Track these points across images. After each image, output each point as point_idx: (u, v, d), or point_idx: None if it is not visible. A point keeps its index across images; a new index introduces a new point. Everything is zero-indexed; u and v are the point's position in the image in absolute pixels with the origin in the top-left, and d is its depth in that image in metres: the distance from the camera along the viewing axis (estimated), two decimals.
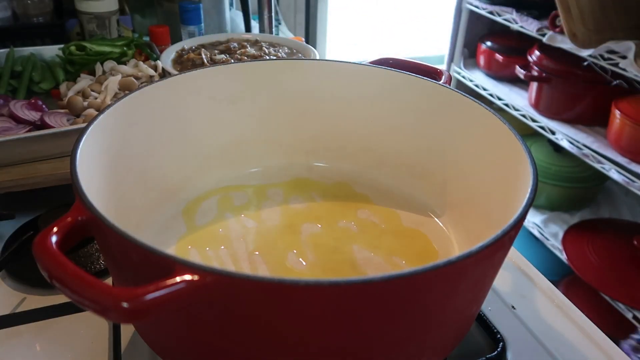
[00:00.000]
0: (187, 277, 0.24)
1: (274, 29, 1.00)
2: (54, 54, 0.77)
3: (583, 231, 1.41)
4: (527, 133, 1.56)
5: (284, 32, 1.25)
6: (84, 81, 0.69)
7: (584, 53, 1.21)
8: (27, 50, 0.76)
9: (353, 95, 0.50)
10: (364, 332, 0.28)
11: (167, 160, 0.46)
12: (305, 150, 0.53)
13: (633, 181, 1.18)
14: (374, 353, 0.30)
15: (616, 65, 1.16)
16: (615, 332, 1.22)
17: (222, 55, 0.73)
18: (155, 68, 0.72)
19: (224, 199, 0.48)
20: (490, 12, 1.54)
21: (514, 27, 1.47)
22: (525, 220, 0.49)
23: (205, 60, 0.71)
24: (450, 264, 0.26)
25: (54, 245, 0.26)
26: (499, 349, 0.41)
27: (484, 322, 0.44)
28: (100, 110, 0.40)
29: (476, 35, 1.72)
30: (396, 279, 0.25)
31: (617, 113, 1.20)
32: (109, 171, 0.39)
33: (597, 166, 1.26)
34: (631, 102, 1.21)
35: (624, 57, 1.13)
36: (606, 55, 1.18)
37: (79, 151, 0.33)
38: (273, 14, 0.98)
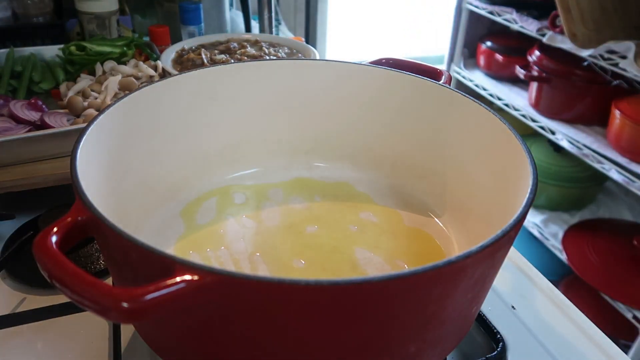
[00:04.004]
0: (187, 277, 0.24)
1: (274, 29, 1.00)
2: (54, 54, 0.77)
3: (583, 231, 1.42)
4: (527, 133, 1.56)
5: (284, 32, 1.25)
6: (84, 81, 0.69)
7: (584, 53, 1.21)
8: (27, 50, 0.76)
9: (353, 95, 0.50)
10: (364, 332, 0.28)
11: (167, 160, 0.46)
12: (305, 150, 0.53)
13: (633, 181, 1.18)
14: (374, 353, 0.30)
15: (616, 65, 1.16)
16: (615, 332, 1.22)
17: (222, 55, 0.73)
18: (155, 68, 0.72)
19: (223, 199, 0.48)
20: (490, 12, 1.54)
21: (514, 27, 1.47)
22: (525, 220, 0.49)
23: (205, 60, 0.71)
24: (450, 264, 0.26)
25: (54, 246, 0.26)
26: (499, 349, 0.41)
27: (484, 322, 0.44)
28: (100, 110, 0.40)
29: (476, 35, 1.72)
30: (396, 279, 0.25)
31: (617, 113, 1.20)
32: (109, 171, 0.39)
33: (597, 166, 1.26)
34: (631, 102, 1.21)
35: (624, 57, 1.13)
36: (606, 55, 1.18)
37: (79, 151, 0.33)
38: (273, 14, 0.98)
